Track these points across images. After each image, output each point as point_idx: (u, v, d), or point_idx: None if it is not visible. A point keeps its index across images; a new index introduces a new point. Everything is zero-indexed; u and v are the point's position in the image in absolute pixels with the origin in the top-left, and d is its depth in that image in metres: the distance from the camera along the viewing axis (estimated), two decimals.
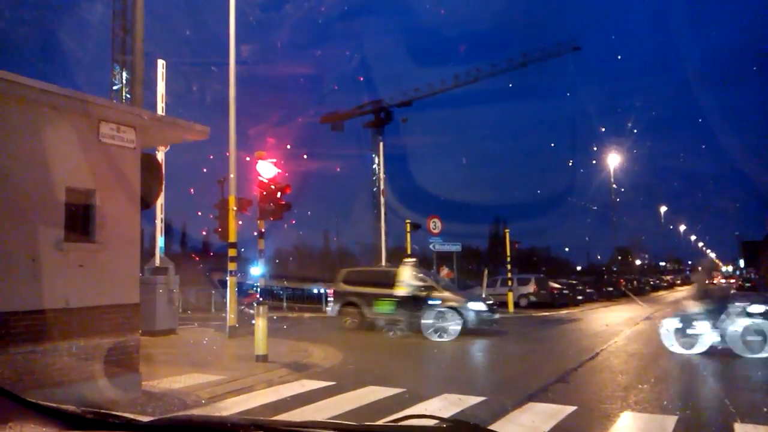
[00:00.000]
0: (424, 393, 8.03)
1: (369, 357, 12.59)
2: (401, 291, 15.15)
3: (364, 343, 15.24)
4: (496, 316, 16.51)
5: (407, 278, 15.23)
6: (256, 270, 14.65)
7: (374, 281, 17.31)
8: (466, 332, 15.11)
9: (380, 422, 3.31)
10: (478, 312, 15.56)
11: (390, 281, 16.56)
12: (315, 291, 29.01)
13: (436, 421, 2.06)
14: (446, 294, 15.85)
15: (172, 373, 9.07)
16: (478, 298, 16.58)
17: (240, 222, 14.31)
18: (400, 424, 2.25)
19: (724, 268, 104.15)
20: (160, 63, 14.91)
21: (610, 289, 40.21)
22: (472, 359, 12.66)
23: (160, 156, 13.86)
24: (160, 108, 14.51)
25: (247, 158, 14.41)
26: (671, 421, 6.69)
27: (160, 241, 15.15)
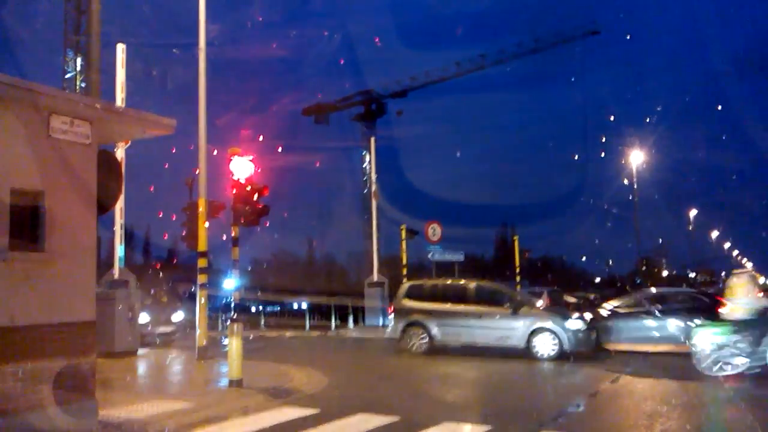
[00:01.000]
0: (421, 421, 8.05)
1: (358, 381, 12.60)
2: (738, 313, 12.73)
3: (353, 365, 15.24)
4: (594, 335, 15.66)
5: (745, 295, 12.87)
6: (230, 283, 14.59)
7: (452, 297, 16.44)
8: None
9: None
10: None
11: (474, 297, 16.00)
12: (296, 306, 29.03)
13: None
14: None
15: (133, 401, 9.05)
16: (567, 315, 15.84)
17: (207, 224, 14.24)
18: None
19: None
20: (120, 47, 14.86)
21: None
22: (474, 382, 12.68)
23: (120, 153, 13.84)
24: (120, 98, 14.48)
25: (215, 151, 14.43)
26: None
27: (119, 250, 15.13)
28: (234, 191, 12.02)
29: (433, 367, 13.97)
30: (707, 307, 15.54)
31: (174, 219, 15.02)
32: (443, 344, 15.96)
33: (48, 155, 7.11)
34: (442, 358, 15.18)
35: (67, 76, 21.36)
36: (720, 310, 13.48)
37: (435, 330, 15.97)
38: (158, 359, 14.91)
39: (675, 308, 16.14)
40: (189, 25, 14.63)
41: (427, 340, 16.03)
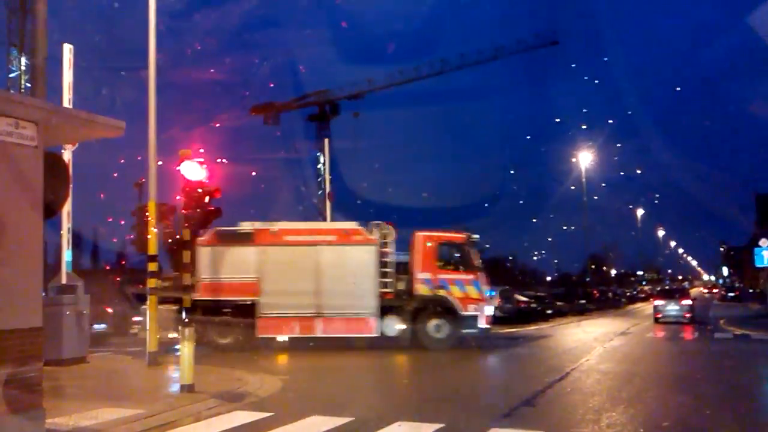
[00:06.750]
0: (376, 422, 8.12)
1: (313, 383, 12.61)
2: None
3: (310, 368, 15.22)
4: None
5: None
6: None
7: None
8: None
9: None
10: None
11: None
12: None
13: None
14: None
15: (83, 408, 8.90)
16: None
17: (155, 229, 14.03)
18: None
19: (705, 277, 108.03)
20: (67, 47, 14.55)
21: (583, 301, 41.30)
22: (428, 382, 12.83)
23: (67, 156, 13.57)
24: (67, 100, 14.19)
25: (161, 163, 14.26)
26: None
27: (66, 254, 14.79)
28: (185, 194, 11.91)
29: (389, 368, 14.07)
30: None
31: (122, 222, 14.78)
32: None
33: None
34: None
35: (12, 75, 20.85)
36: None
37: None
38: (108, 365, 14.64)
39: None
40: (138, 24, 14.36)
41: None
